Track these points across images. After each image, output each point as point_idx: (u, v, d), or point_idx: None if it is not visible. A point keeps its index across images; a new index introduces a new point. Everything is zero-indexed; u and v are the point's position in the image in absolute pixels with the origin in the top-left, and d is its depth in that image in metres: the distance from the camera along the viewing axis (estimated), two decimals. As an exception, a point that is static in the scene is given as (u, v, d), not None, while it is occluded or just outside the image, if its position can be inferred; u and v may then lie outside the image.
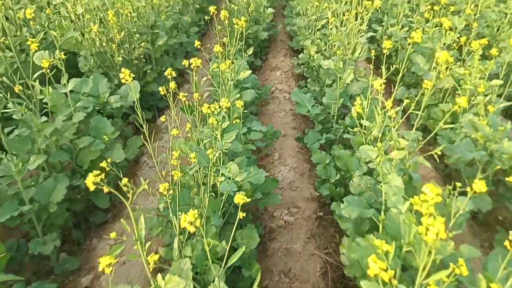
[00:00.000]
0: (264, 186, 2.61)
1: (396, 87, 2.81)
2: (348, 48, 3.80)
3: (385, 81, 2.53)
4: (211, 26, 6.67)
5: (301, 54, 4.93)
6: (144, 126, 2.05)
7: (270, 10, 5.46)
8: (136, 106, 2.08)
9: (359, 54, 3.77)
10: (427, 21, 4.91)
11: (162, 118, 2.49)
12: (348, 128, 2.87)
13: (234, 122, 2.64)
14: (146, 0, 4.06)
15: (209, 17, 2.83)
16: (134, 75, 4.07)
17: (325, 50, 4.78)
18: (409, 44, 2.40)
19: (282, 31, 6.57)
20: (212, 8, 3.04)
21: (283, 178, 3.30)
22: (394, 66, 5.11)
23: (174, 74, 2.21)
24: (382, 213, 2.09)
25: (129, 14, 3.58)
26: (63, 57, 2.63)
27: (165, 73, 2.22)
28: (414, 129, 2.55)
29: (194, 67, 2.58)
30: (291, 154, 3.61)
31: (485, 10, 5.06)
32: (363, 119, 2.75)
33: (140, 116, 2.14)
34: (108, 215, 2.94)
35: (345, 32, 3.74)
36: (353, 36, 3.76)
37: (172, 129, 2.22)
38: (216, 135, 2.10)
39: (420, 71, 3.97)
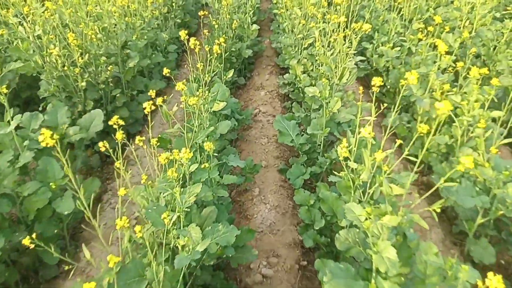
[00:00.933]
0: (238, 239, 2.27)
1: (392, 115, 2.48)
2: (335, 73, 3.49)
3: (375, 109, 2.23)
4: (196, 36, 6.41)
5: (287, 74, 4.61)
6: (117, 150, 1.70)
7: (254, 26, 5.15)
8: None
9: (347, 79, 3.47)
10: (420, 40, 4.63)
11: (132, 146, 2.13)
12: (334, 172, 2.54)
13: (203, 166, 2.30)
14: (117, 19, 3.72)
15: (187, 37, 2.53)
16: (101, 100, 3.71)
17: (311, 70, 4.47)
18: (402, 85, 2.07)
19: (269, 46, 6.26)
20: (183, 33, 2.70)
21: (263, 219, 2.96)
22: (385, 87, 4.85)
23: (121, 123, 1.86)
24: (373, 281, 1.77)
25: (93, 36, 3.22)
26: (5, 91, 2.27)
27: (110, 122, 1.87)
28: (412, 173, 2.23)
29: (160, 102, 2.25)
30: (273, 190, 3.27)
31: (481, 29, 4.81)
32: (350, 160, 2.42)
33: (104, 145, 1.82)
34: (60, 269, 2.57)
35: (332, 56, 3.43)
36: (341, 60, 3.45)
37: (124, 182, 1.87)
38: (175, 193, 1.75)
39: (413, 97, 3.67)
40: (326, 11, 5.18)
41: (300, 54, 4.68)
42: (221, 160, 3.03)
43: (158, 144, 2.59)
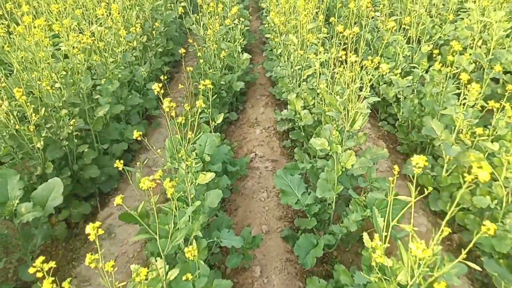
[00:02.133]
0: None
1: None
2: (345, 116, 2.92)
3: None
4: (180, 66, 5.78)
5: (285, 111, 4.04)
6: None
7: (245, 55, 4.58)
8: None
9: (360, 125, 2.89)
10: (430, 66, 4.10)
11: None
12: (362, 273, 1.94)
13: (186, 277, 1.69)
14: (81, 61, 3.11)
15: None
16: (66, 159, 3.08)
17: (313, 105, 3.91)
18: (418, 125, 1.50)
19: (262, 72, 5.69)
20: (156, 87, 2.11)
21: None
22: (397, 120, 4.28)
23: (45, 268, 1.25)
24: None
25: (49, 87, 2.61)
26: None
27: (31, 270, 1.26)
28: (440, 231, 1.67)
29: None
30: (277, 267, 2.66)
31: (499, 52, 4.29)
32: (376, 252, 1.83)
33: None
34: None
35: (341, 99, 2.86)
36: (351, 100, 2.88)
37: None
38: None
39: (437, 141, 3.11)
40: (326, 37, 4.65)
41: (299, 86, 4.11)
42: (211, 236, 2.43)
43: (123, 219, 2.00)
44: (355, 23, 5.38)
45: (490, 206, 2.47)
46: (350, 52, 3.00)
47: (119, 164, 1.92)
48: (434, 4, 5.72)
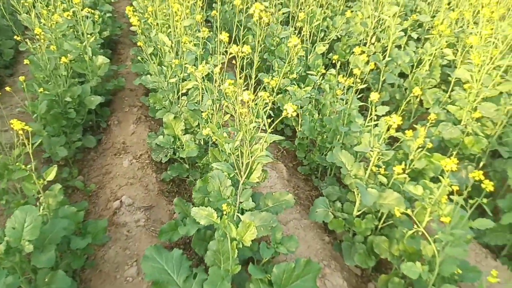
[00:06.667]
0: None
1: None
2: (241, 169, 2.11)
3: None
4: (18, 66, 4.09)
5: (161, 137, 3.05)
6: None
7: (101, 59, 3.40)
8: None
9: (259, 176, 2.12)
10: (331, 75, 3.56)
11: None
12: None
13: None
14: None
15: None
16: None
17: (197, 127, 3.02)
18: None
19: (132, 74, 4.55)
20: None
21: None
22: (296, 133, 3.65)
23: None
24: None
25: None
26: None
27: None
28: None
29: None
30: None
31: (396, 52, 3.94)
32: None
33: None
34: None
35: (232, 145, 2.03)
36: (246, 144, 2.07)
37: None
38: None
39: (348, 178, 2.53)
40: (209, 37, 3.71)
41: (179, 103, 3.16)
42: None
43: None
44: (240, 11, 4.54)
45: (422, 276, 1.96)
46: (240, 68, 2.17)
47: None
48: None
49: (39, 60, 3.06)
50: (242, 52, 2.03)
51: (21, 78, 2.67)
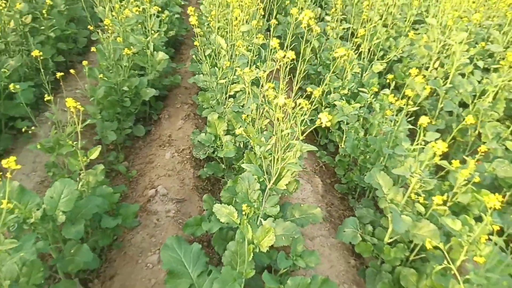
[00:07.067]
0: None
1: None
2: (266, 171, 2.10)
3: None
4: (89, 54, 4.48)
5: (203, 134, 3.14)
6: None
7: (161, 55, 3.60)
8: None
9: (287, 184, 2.10)
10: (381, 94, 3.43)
11: None
12: None
13: None
14: None
15: None
16: None
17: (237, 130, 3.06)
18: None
19: (190, 73, 4.74)
20: None
21: None
22: (338, 150, 3.56)
23: None
24: None
25: None
26: None
27: None
28: None
29: None
30: None
31: (459, 80, 3.72)
32: None
33: None
34: None
35: (264, 148, 2.03)
36: (278, 150, 2.06)
37: None
38: None
39: (383, 201, 2.41)
40: (264, 43, 3.77)
41: (225, 104, 3.23)
42: None
43: None
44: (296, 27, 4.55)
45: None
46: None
47: None
48: (390, 12, 5.08)
49: (105, 50, 3.31)
50: (288, 58, 2.03)
51: (84, 62, 2.90)
